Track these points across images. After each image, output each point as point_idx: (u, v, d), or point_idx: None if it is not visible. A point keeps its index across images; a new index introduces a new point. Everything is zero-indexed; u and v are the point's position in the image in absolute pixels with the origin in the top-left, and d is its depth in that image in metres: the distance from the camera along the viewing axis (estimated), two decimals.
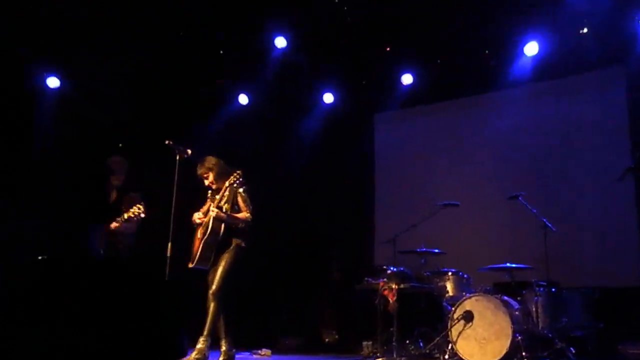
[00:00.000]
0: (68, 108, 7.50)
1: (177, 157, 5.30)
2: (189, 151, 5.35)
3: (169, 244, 5.03)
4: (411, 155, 8.45)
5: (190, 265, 5.28)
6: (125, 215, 5.42)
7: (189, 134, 6.80)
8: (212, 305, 5.21)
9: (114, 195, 5.73)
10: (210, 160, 5.43)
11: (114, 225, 5.50)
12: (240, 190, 5.38)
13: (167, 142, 5.27)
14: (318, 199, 8.59)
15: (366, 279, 6.34)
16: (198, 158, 5.46)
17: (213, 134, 7.91)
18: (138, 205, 5.36)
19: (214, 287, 5.21)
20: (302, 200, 8.57)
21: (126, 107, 7.67)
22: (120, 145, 7.30)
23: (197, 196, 5.61)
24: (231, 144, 7.91)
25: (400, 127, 8.60)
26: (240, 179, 5.24)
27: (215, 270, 5.28)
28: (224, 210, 5.32)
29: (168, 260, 5.01)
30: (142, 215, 5.33)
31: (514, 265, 5.88)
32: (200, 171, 5.44)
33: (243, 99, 8.46)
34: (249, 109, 8.52)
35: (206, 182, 5.45)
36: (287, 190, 8.47)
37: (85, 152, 6.91)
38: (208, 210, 5.37)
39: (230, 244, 5.34)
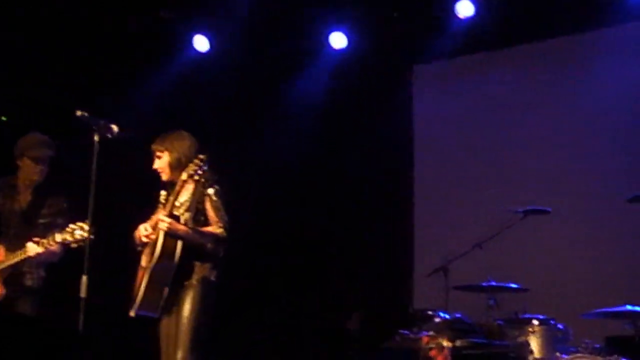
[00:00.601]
0: None
1: (96, 137, 5.20)
2: (114, 127, 5.26)
3: (84, 278, 4.90)
4: (469, 129, 8.46)
5: (131, 314, 5.34)
6: (58, 238, 5.48)
7: (116, 99, 6.80)
8: None
9: (23, 199, 5.92)
10: (177, 136, 5.57)
11: (31, 250, 5.61)
12: (210, 191, 5.44)
13: (78, 112, 5.18)
14: (324, 200, 8.63)
15: (400, 331, 6.40)
16: (131, 137, 5.42)
17: (153, 99, 7.91)
18: (81, 225, 5.32)
19: (179, 352, 5.25)
20: (301, 203, 8.59)
21: (12, 54, 7.59)
22: (4, 118, 7.32)
23: (139, 198, 5.63)
24: (185, 115, 7.84)
25: (452, 85, 8.60)
26: (203, 169, 5.28)
27: (175, 322, 5.32)
28: (182, 220, 5.34)
29: (82, 305, 4.88)
30: (86, 238, 5.26)
31: (637, 309, 5.88)
32: (154, 146, 5.57)
33: (200, 43, 8.49)
34: (212, 59, 8.56)
35: (155, 166, 5.56)
36: (276, 186, 8.49)
37: None
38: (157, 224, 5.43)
39: (190, 275, 5.37)
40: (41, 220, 5.88)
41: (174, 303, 5.32)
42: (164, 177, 5.54)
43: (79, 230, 5.37)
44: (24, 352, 4.65)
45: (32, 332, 5.33)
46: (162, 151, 5.53)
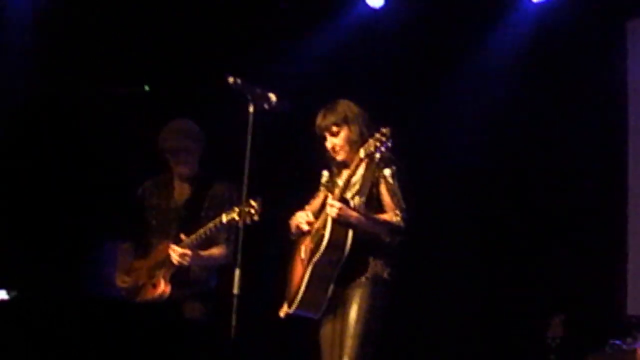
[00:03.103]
0: (47, 31, 7.79)
1: (251, 109, 5.27)
2: (272, 96, 5.31)
3: (237, 272, 5.01)
4: None
5: (287, 311, 5.45)
6: (224, 218, 5.71)
7: (273, 65, 7.03)
8: None
9: (179, 194, 6.19)
10: (349, 106, 5.57)
11: (183, 250, 5.85)
12: (386, 172, 5.43)
13: (230, 79, 5.24)
14: (520, 185, 8.51)
15: (611, 341, 6.47)
16: (288, 107, 5.47)
17: (316, 64, 7.96)
18: (249, 202, 5.46)
19: (345, 357, 5.28)
20: (491, 189, 8.50)
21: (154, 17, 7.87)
22: (147, 88, 7.54)
23: (298, 182, 5.76)
24: (353, 83, 7.87)
25: None
26: (387, 145, 5.22)
27: (340, 326, 5.37)
28: (352, 205, 5.35)
29: (235, 302, 4.98)
30: (255, 214, 5.48)
31: None
32: (329, 120, 5.53)
33: None
34: (387, 17, 8.50)
35: (329, 145, 5.54)
36: (461, 167, 8.38)
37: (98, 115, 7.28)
38: (322, 208, 5.47)
39: (364, 271, 5.40)
40: (203, 214, 6.05)
41: (339, 303, 5.36)
42: (341, 156, 5.53)
43: (247, 208, 5.46)
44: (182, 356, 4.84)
45: (199, 337, 5.53)
46: (339, 125, 5.50)
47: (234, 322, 4.93)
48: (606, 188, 8.31)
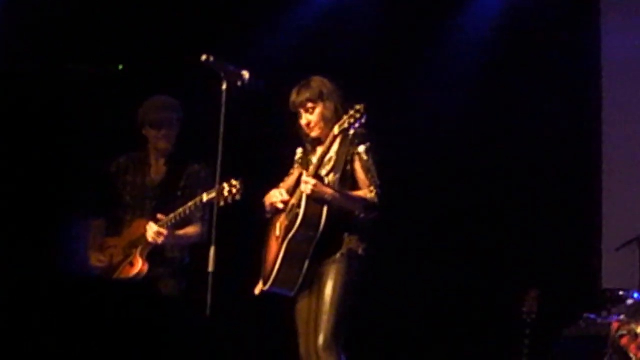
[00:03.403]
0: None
1: (224, 86, 5.25)
2: (245, 73, 5.28)
3: (212, 249, 4.99)
4: None
5: (262, 288, 5.43)
6: (204, 197, 5.71)
7: (242, 42, 6.89)
8: None
9: (155, 172, 6.15)
10: (324, 82, 5.55)
11: (149, 233, 5.84)
12: (360, 149, 5.42)
13: (203, 57, 5.22)
14: (495, 161, 8.51)
15: (585, 314, 6.48)
16: (262, 85, 5.47)
17: (288, 41, 7.92)
18: (230, 182, 5.52)
19: (320, 336, 5.27)
20: (467, 165, 8.48)
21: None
22: (120, 66, 7.48)
23: (270, 159, 5.72)
24: (326, 61, 7.81)
25: None
26: (361, 121, 5.23)
27: (316, 299, 5.36)
28: (327, 182, 5.35)
29: (210, 281, 4.96)
30: (235, 194, 5.54)
31: None
32: (303, 96, 5.51)
33: None
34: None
35: (304, 121, 5.52)
36: (437, 144, 8.39)
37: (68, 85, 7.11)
38: (296, 185, 5.45)
39: (339, 247, 5.38)
40: (179, 193, 6.04)
41: (314, 280, 5.35)
42: (315, 132, 5.51)
43: (228, 187, 5.49)
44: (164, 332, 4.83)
45: (174, 313, 5.52)
46: (314, 101, 5.47)
47: (209, 300, 4.91)
48: (580, 162, 8.37)
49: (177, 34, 7.82)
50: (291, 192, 5.47)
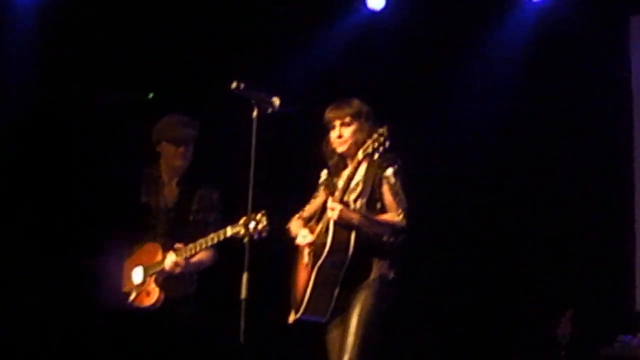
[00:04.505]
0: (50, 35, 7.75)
1: (255, 113, 5.21)
2: (276, 100, 5.23)
3: (244, 276, 4.94)
4: None
5: (294, 317, 5.40)
6: (229, 232, 5.64)
7: (275, 68, 6.93)
8: None
9: (169, 192, 6.12)
10: (362, 104, 5.53)
11: (167, 263, 5.85)
12: (388, 172, 5.38)
13: (234, 84, 5.18)
14: (525, 180, 8.47)
15: (621, 336, 6.63)
16: (293, 111, 5.48)
17: (318, 68, 7.87)
18: (255, 216, 5.46)
19: (345, 358, 5.22)
20: (496, 185, 8.46)
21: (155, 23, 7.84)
22: (151, 95, 7.51)
23: (297, 184, 5.72)
24: (356, 85, 7.60)
25: None
26: (385, 145, 5.17)
27: (344, 325, 5.30)
28: (353, 208, 5.30)
29: (243, 308, 4.91)
30: (262, 229, 5.49)
31: None
32: (343, 111, 5.49)
33: (375, 0, 8.41)
34: (388, 18, 8.45)
35: (336, 134, 5.48)
36: (464, 164, 8.35)
37: (89, 113, 7.18)
38: (323, 211, 5.41)
39: (369, 272, 5.34)
40: (191, 217, 6.05)
41: (345, 306, 5.30)
42: (343, 148, 5.46)
43: (254, 222, 5.43)
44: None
45: (193, 341, 5.55)
46: (353, 117, 5.45)
47: (242, 327, 4.87)
48: (613, 184, 8.28)
49: (208, 61, 7.86)
50: (317, 217, 5.46)
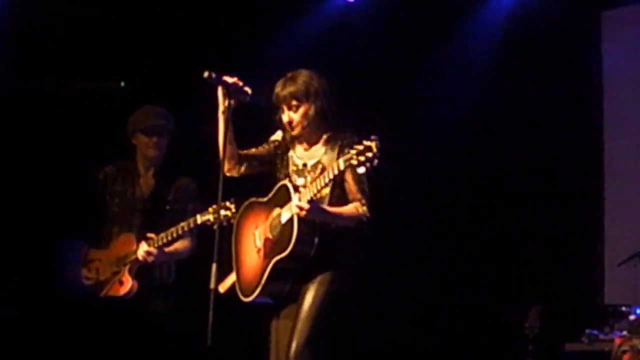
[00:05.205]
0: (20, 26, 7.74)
1: (227, 102, 5.20)
2: (248, 90, 5.21)
3: (214, 267, 4.89)
4: None
5: (247, 299, 5.27)
6: (199, 219, 5.72)
7: (247, 58, 6.91)
8: None
9: (145, 183, 6.16)
10: (312, 79, 5.31)
11: (149, 247, 5.84)
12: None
13: (205, 74, 5.14)
14: (497, 176, 8.49)
15: (588, 330, 6.44)
16: (262, 101, 5.35)
17: (291, 58, 7.80)
18: (225, 204, 5.48)
19: (293, 344, 5.06)
20: (469, 180, 8.47)
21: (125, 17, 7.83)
22: (122, 84, 7.47)
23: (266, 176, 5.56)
24: (329, 75, 7.61)
25: None
26: (374, 163, 4.75)
27: (297, 313, 5.15)
28: (314, 192, 5.04)
29: (212, 298, 4.86)
30: (231, 217, 5.52)
31: None
32: (287, 91, 5.27)
33: None
34: (361, 9, 8.46)
35: (285, 119, 5.30)
36: (438, 158, 8.37)
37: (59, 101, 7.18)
38: (275, 195, 5.26)
39: (327, 265, 5.19)
40: (168, 207, 6.06)
41: (297, 296, 5.17)
42: (296, 132, 5.28)
43: (224, 210, 5.45)
44: (155, 349, 4.82)
45: (164, 330, 5.54)
46: (299, 100, 5.24)
47: (210, 318, 4.82)
48: (582, 178, 8.31)
49: (179, 50, 7.85)
50: (269, 199, 5.28)
